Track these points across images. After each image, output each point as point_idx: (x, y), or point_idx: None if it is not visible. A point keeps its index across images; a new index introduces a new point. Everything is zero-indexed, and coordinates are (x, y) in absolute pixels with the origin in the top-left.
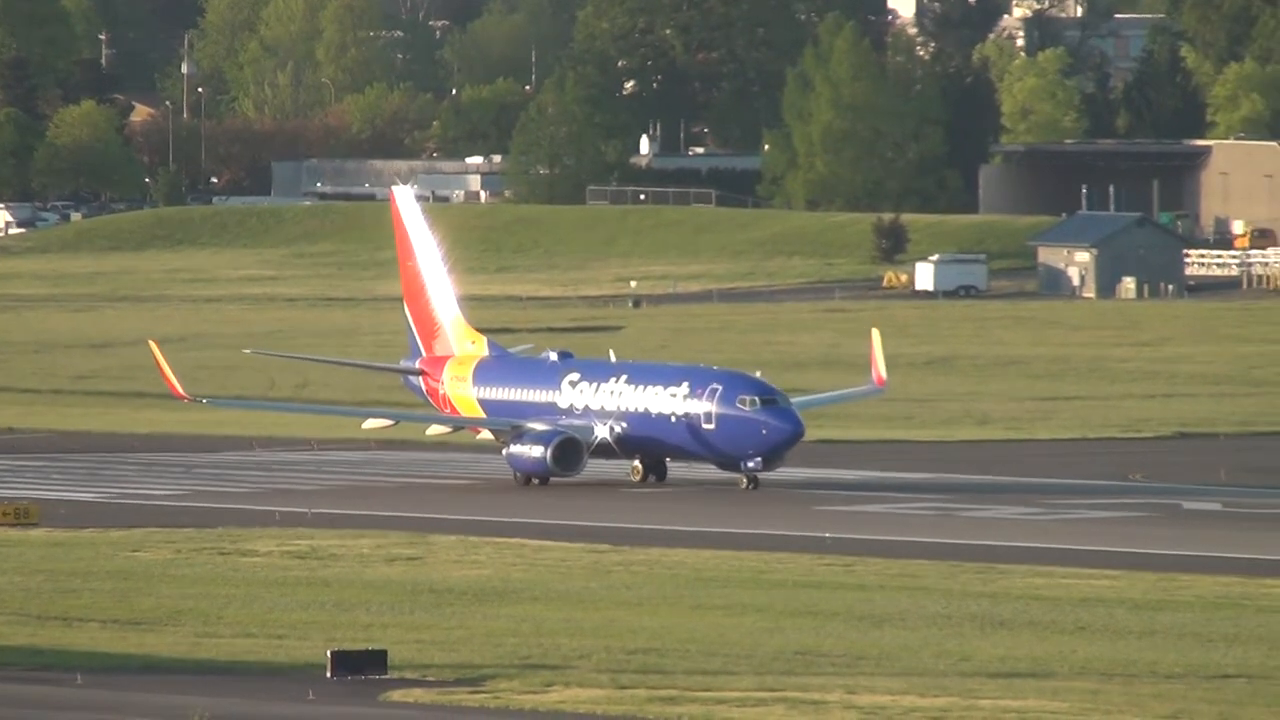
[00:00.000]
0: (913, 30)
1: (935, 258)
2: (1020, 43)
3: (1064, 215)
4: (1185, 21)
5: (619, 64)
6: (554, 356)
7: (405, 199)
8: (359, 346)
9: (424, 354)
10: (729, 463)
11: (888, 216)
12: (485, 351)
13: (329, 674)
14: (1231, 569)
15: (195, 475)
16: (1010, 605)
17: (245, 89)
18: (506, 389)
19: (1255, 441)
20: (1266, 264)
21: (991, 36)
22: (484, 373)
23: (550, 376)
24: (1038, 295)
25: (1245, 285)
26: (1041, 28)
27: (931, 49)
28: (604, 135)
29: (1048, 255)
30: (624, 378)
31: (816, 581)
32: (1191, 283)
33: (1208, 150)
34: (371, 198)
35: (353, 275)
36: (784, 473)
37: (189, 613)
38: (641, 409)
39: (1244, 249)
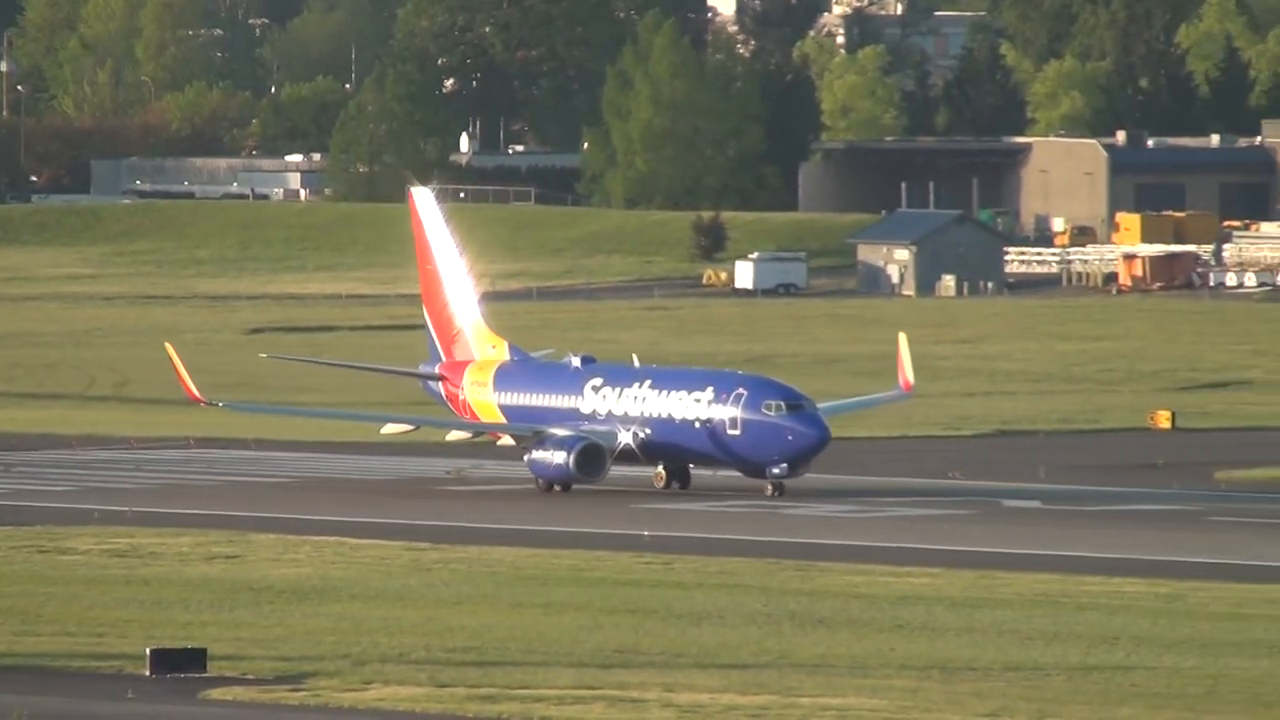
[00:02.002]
0: (733, 28)
1: (755, 256)
2: (840, 40)
3: (883, 213)
4: (1005, 19)
5: (439, 62)
6: (576, 361)
7: (424, 201)
8: (180, 345)
9: (443, 358)
10: (754, 469)
11: (707, 214)
12: (506, 356)
13: (148, 672)
14: (1050, 566)
15: (13, 474)
16: (829, 603)
17: (65, 87)
18: (528, 394)
19: (1074, 439)
20: (1086, 261)
21: (811, 34)
22: (505, 378)
23: (573, 382)
24: (857, 293)
25: (1065, 283)
26: (861, 25)
27: (751, 47)
28: (424, 133)
29: (867, 253)
30: (647, 383)
31: (635, 579)
32: (1011, 280)
33: (1028, 148)
34: (191, 195)
35: (172, 273)
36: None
37: (7, 611)
38: (665, 414)
39: (1064, 246)
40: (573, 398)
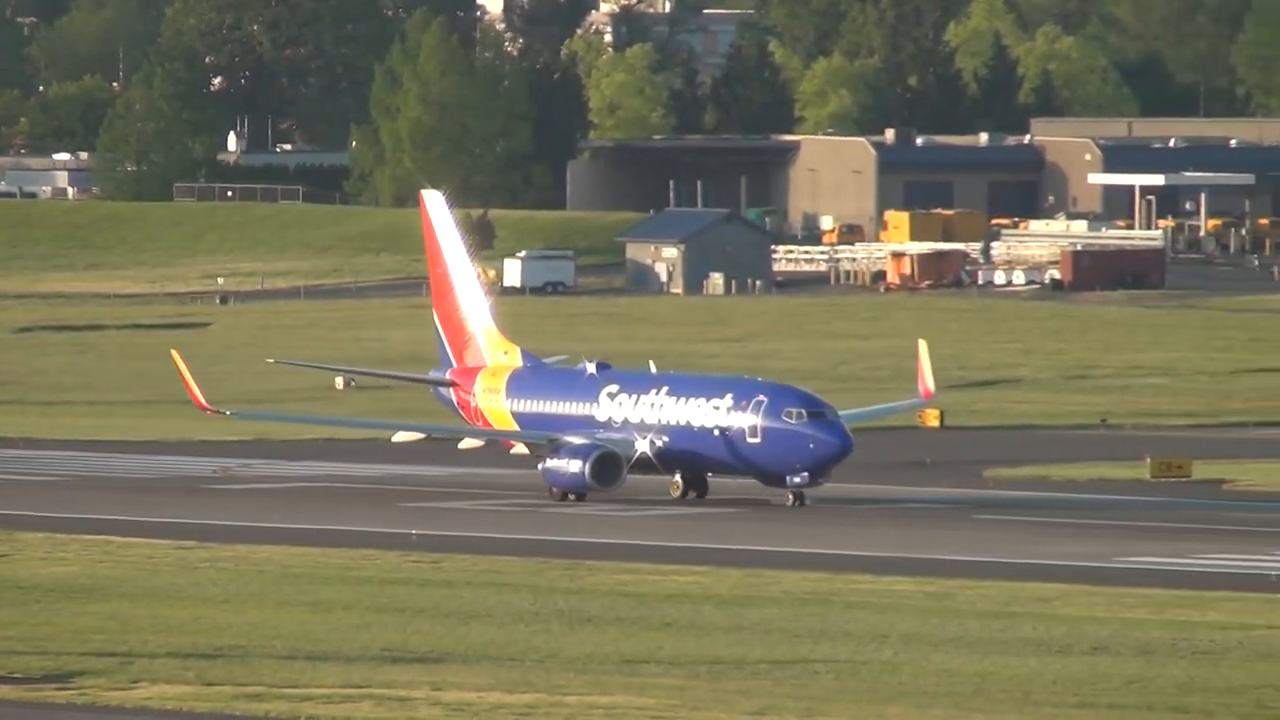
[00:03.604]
0: (501, 26)
1: (523, 254)
2: (608, 38)
3: (652, 211)
4: (774, 17)
5: (206, 60)
6: (591, 368)
7: (435, 204)
8: None
9: (454, 364)
10: (773, 478)
11: (475, 212)
12: (519, 362)
13: None
14: (818, 565)
15: None
16: (597, 602)
17: None
18: (542, 401)
19: None
20: (855, 260)
21: (579, 32)
22: (518, 384)
23: (588, 388)
24: (626, 291)
25: (834, 281)
26: (629, 23)
27: (519, 45)
28: (191, 131)
29: (635, 251)
30: (664, 390)
31: (403, 578)
32: (780, 278)
33: (796, 146)
34: None
35: None
36: (373, 470)
37: None
38: (683, 422)
39: (832, 245)
40: (588, 405)
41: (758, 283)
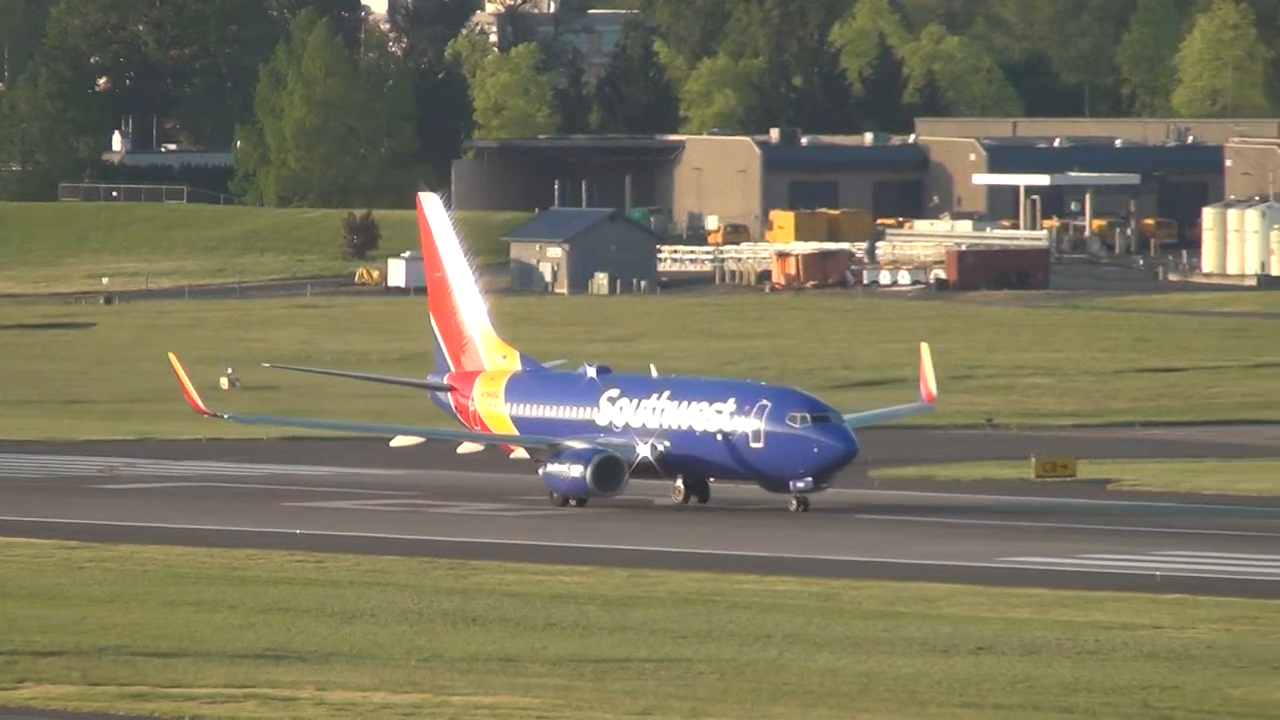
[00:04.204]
0: (385, 26)
1: (407, 254)
2: (493, 38)
3: (537, 211)
4: (659, 17)
5: (92, 60)
6: (592, 372)
7: (433, 207)
8: None
9: (452, 368)
10: (776, 483)
11: (359, 213)
12: (518, 366)
13: None
14: (703, 565)
15: None
16: (482, 601)
17: None
18: (542, 405)
19: None
20: (740, 260)
21: (464, 32)
22: (517, 388)
23: (589, 393)
24: (511, 291)
25: (719, 281)
26: (514, 23)
27: (404, 45)
28: (76, 131)
29: (520, 251)
30: (666, 394)
31: (287, 578)
32: (665, 278)
33: (681, 146)
34: None
35: None
36: (257, 470)
37: None
38: (685, 426)
39: (717, 245)
40: (588, 409)
41: (643, 283)
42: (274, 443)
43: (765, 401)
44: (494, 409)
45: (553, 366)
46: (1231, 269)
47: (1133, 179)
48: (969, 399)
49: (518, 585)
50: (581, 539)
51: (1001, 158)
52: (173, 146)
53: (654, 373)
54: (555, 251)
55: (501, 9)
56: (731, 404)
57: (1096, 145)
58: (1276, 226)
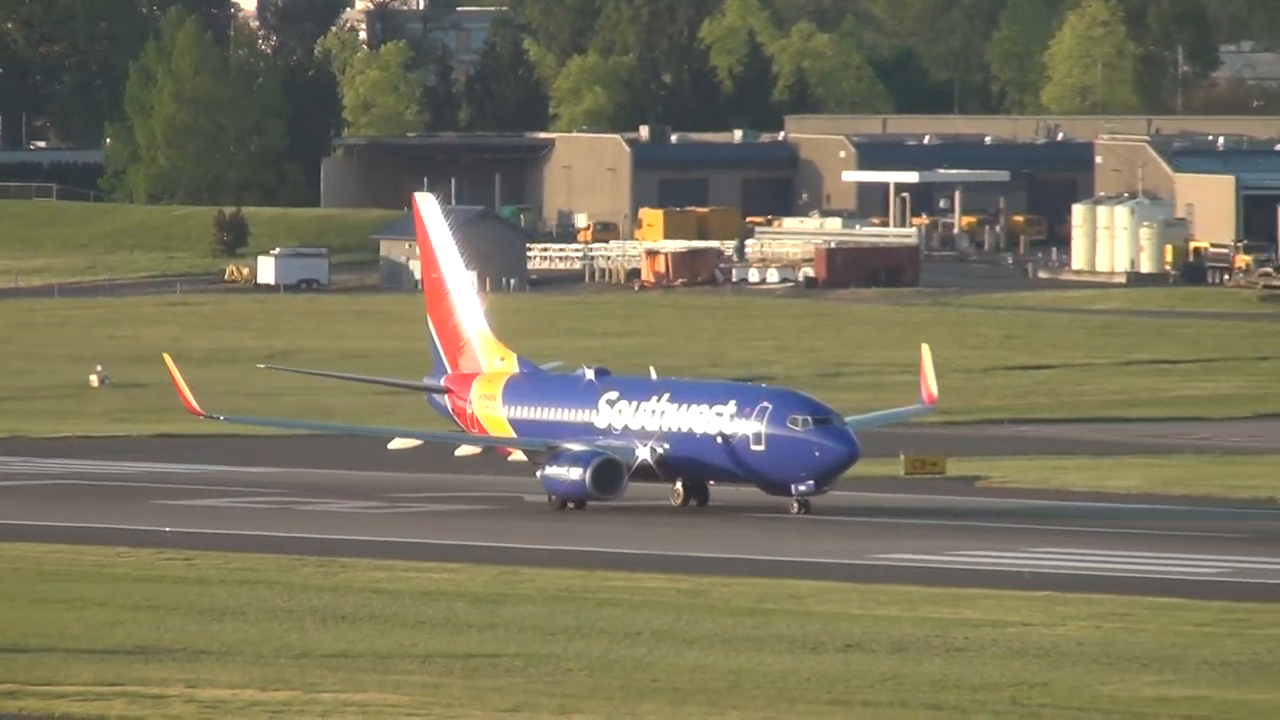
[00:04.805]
0: (255, 24)
1: (277, 251)
2: (363, 36)
3: (406, 209)
4: (528, 14)
5: None
6: (590, 374)
7: (428, 207)
8: None
9: (449, 370)
10: (777, 487)
11: (229, 210)
12: (515, 368)
13: None
14: (572, 562)
15: None
16: (351, 599)
17: None
18: (540, 408)
19: None
20: (609, 258)
21: (334, 29)
22: (515, 391)
23: (587, 395)
24: (380, 289)
25: (588, 279)
26: (384, 21)
27: (274, 43)
28: None
29: (390, 249)
30: (666, 396)
31: (157, 575)
32: (534, 276)
33: (551, 143)
34: None
35: None
36: (127, 468)
37: None
38: (685, 429)
39: (587, 243)
40: (587, 411)
41: (512, 281)
42: (146, 440)
43: (766, 404)
44: (491, 411)
45: (549, 368)
46: (1101, 266)
47: (1002, 176)
48: (838, 397)
49: (387, 583)
50: (452, 536)
51: (871, 155)
52: (42, 144)
53: (653, 375)
54: None
55: (371, 6)
56: (732, 406)
57: (966, 142)
58: (1146, 224)
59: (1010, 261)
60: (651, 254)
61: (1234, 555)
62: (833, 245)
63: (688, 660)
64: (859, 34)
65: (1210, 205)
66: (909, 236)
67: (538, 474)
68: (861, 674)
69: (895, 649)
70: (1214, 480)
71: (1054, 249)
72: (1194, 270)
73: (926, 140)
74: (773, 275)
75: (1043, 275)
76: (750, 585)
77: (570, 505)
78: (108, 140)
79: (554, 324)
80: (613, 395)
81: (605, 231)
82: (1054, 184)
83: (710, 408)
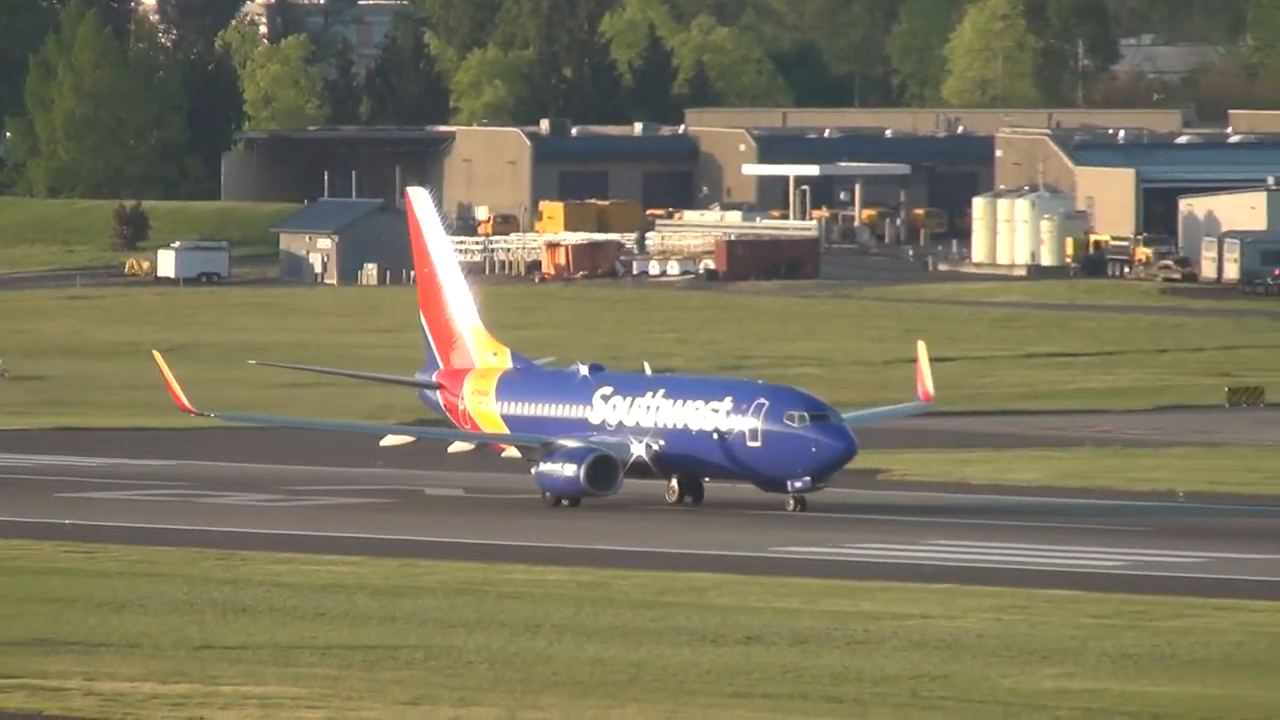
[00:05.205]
0: (155, 17)
1: (177, 245)
2: (263, 29)
3: (306, 202)
4: (429, 8)
5: None
6: (584, 370)
7: (422, 202)
8: None
9: (441, 366)
10: (773, 483)
11: (129, 203)
12: (509, 364)
13: None
14: (472, 555)
15: None
16: (252, 592)
17: None
18: (533, 404)
19: None
20: (510, 250)
21: (234, 23)
22: (508, 387)
23: (581, 391)
24: (280, 282)
25: (488, 271)
26: (284, 14)
27: (174, 36)
28: None
29: (290, 242)
30: (661, 392)
31: (57, 568)
32: None
33: (451, 137)
34: None
35: None
36: (27, 460)
37: None
38: (680, 425)
39: (487, 235)
40: (581, 407)
41: (412, 273)
42: (46, 433)
43: (763, 400)
44: (485, 407)
45: (544, 364)
46: (1001, 259)
47: (902, 169)
48: None
49: (287, 575)
50: (353, 529)
51: (771, 148)
52: None
53: (648, 370)
54: (325, 242)
55: (271, 0)
56: (728, 402)
57: (866, 135)
58: (1046, 217)
59: (911, 254)
60: (552, 246)
61: (1134, 548)
62: (733, 238)
63: (588, 653)
64: (759, 27)
65: (1110, 198)
66: (809, 229)
67: (532, 470)
68: (761, 666)
69: (795, 642)
70: (1114, 473)
71: (954, 242)
72: (1094, 263)
73: (827, 134)
74: (673, 268)
75: (943, 268)
76: (650, 578)
77: (564, 502)
78: (7, 134)
79: None
80: (607, 391)
81: (505, 224)
82: (954, 177)
83: (706, 404)
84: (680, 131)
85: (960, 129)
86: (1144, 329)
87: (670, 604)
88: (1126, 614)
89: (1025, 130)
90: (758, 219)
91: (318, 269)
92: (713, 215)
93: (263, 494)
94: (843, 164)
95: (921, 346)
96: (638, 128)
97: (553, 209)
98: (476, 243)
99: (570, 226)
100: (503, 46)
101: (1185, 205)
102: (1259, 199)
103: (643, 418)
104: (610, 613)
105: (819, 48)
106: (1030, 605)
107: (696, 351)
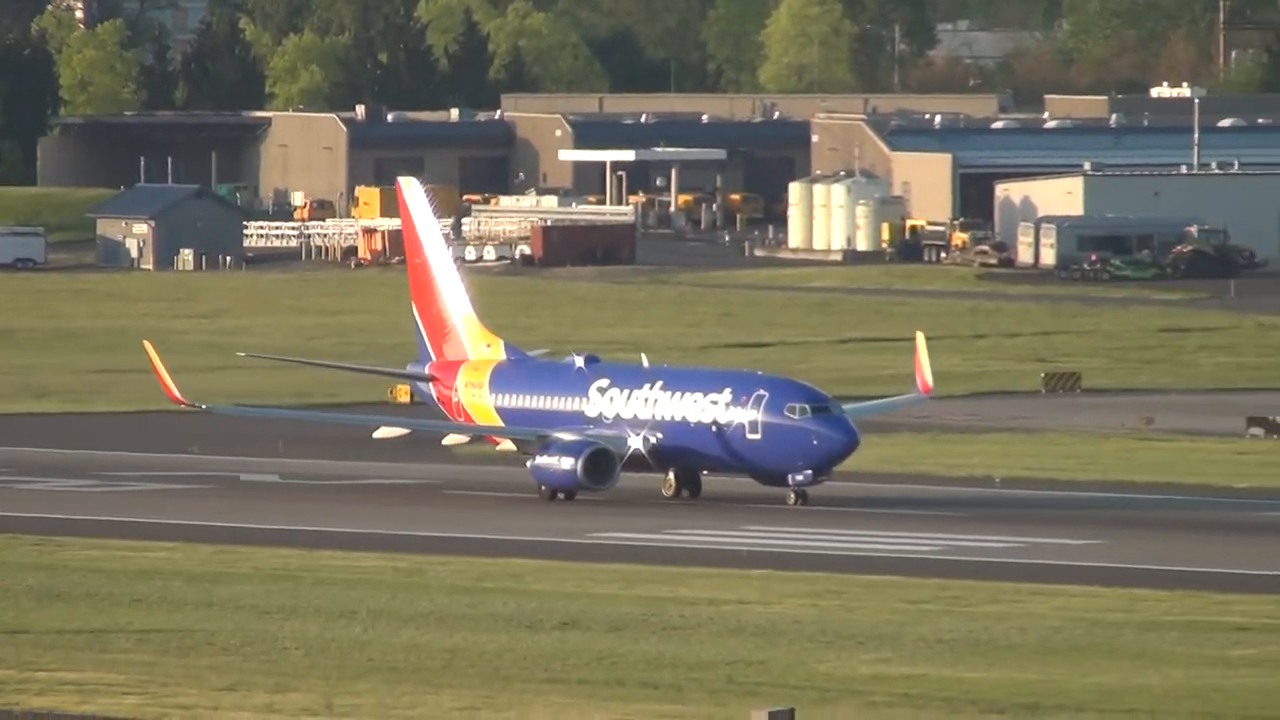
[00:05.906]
0: None
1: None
2: (79, 14)
3: (122, 188)
4: None
5: None
6: (580, 361)
7: (413, 191)
8: None
9: (434, 358)
10: (774, 477)
11: None
12: (502, 355)
13: None
14: (289, 541)
15: None
16: (68, 578)
17: None
18: (528, 396)
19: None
20: (326, 236)
21: (50, 8)
22: (502, 379)
23: (577, 383)
24: (97, 268)
25: (305, 257)
26: (100, 0)
27: None
28: None
29: (106, 227)
30: (659, 384)
31: None
32: (251, 254)
33: (267, 122)
34: None
35: None
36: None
37: None
38: (678, 418)
39: (303, 221)
40: (577, 400)
41: (229, 258)
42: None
43: (762, 392)
44: (478, 399)
45: (538, 355)
46: (818, 244)
47: (719, 154)
48: None
49: (103, 561)
50: (169, 515)
51: (587, 134)
52: None
53: (645, 362)
54: (141, 228)
55: None
56: (727, 394)
57: (682, 121)
58: (862, 202)
59: (727, 239)
60: (368, 232)
61: (950, 533)
62: (549, 223)
63: (403, 639)
64: (575, 13)
65: (927, 183)
66: (625, 215)
67: (528, 464)
68: (578, 652)
69: (611, 627)
70: (931, 459)
71: (770, 227)
72: (911, 248)
73: (643, 119)
74: (489, 253)
75: (759, 253)
76: (468, 564)
77: (560, 496)
78: None
79: (271, 301)
80: (603, 383)
81: (322, 210)
82: (771, 162)
83: (705, 396)
84: (496, 117)
85: (776, 114)
86: (960, 314)
87: (487, 590)
88: (943, 599)
89: (841, 115)
90: (574, 204)
91: (134, 254)
92: (529, 201)
93: (80, 479)
94: (659, 149)
95: (920, 338)
96: (454, 113)
97: (369, 194)
98: (293, 228)
99: (386, 212)
100: (318, 32)
101: (1001, 190)
102: (1075, 184)
103: (640, 410)
104: (426, 599)
105: (635, 33)
106: (847, 591)
107: (513, 337)
